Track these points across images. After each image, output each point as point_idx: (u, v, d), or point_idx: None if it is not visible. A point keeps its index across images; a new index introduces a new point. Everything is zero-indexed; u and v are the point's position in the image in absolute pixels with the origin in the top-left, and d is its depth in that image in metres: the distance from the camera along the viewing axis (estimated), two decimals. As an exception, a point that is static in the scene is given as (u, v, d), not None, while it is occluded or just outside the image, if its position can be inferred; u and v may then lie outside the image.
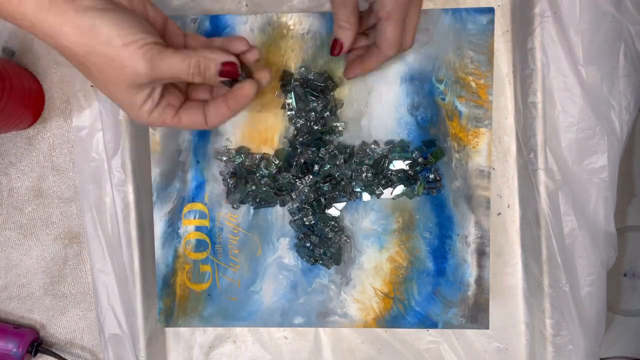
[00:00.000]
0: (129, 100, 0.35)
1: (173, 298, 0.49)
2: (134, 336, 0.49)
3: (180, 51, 0.35)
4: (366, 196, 0.48)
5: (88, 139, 0.51)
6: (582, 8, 0.44)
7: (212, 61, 0.36)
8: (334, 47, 0.41)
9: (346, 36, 0.40)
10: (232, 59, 0.37)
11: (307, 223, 0.48)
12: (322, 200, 0.47)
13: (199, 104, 0.39)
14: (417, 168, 0.47)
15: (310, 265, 0.49)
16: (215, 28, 0.48)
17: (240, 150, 0.48)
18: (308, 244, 0.48)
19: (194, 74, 0.35)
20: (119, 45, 0.32)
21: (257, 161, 0.48)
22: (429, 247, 0.48)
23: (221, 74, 0.36)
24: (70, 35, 0.31)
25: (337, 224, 0.48)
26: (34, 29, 0.31)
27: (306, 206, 0.47)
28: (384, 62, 0.42)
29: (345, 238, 0.48)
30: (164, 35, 0.37)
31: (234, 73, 0.36)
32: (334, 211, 0.48)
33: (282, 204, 0.48)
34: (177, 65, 0.34)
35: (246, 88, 0.38)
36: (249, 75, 0.38)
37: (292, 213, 0.48)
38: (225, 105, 0.38)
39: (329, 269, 0.48)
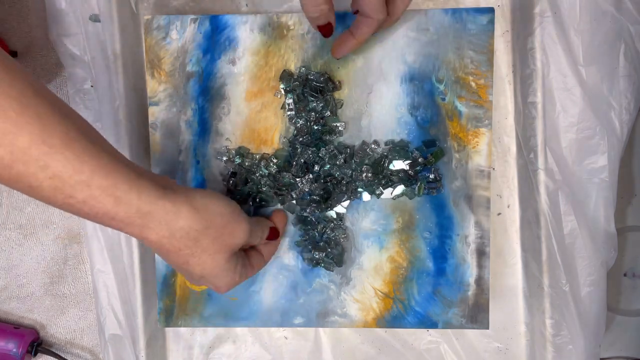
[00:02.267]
0: (227, 267, 0.39)
1: (173, 298, 0.49)
2: (134, 336, 0.49)
3: (255, 218, 0.44)
4: (366, 196, 0.48)
5: (88, 139, 0.51)
6: (582, 8, 0.44)
7: (267, 227, 0.45)
8: (324, 32, 0.42)
9: (327, 18, 0.41)
10: (275, 225, 0.46)
11: (313, 219, 0.48)
12: (329, 196, 0.47)
13: (254, 250, 0.45)
14: (417, 168, 0.47)
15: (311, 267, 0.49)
16: (215, 28, 0.48)
17: (240, 150, 0.48)
18: (309, 244, 0.48)
19: (260, 237, 0.43)
20: (229, 213, 0.38)
21: (257, 161, 0.48)
22: (429, 247, 0.48)
23: (268, 237, 0.45)
24: (188, 215, 0.36)
25: (342, 223, 0.48)
26: (145, 219, 0.34)
27: (312, 204, 0.47)
28: (376, 31, 0.41)
29: (344, 236, 0.48)
30: None
31: (276, 237, 0.46)
32: (340, 209, 0.48)
33: (282, 203, 0.48)
34: (257, 231, 0.42)
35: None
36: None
37: (302, 208, 0.48)
38: (262, 255, 0.45)
39: (332, 271, 0.48)
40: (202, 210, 0.37)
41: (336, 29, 0.47)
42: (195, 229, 0.36)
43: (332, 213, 0.48)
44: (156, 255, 0.49)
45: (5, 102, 0.29)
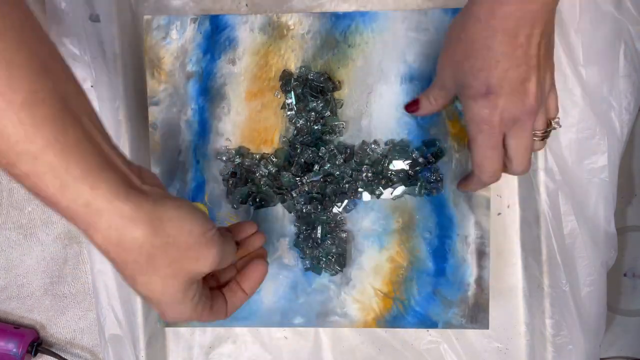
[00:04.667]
0: (179, 297, 0.32)
1: (173, 298, 0.49)
2: (134, 336, 0.49)
3: (227, 234, 0.36)
4: (366, 196, 0.48)
5: (88, 139, 0.51)
6: (582, 8, 0.44)
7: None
8: (411, 105, 0.42)
9: (425, 108, 0.42)
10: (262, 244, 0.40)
11: (313, 217, 0.47)
12: (331, 197, 0.47)
13: (219, 293, 0.37)
14: (417, 168, 0.47)
15: (311, 266, 0.49)
16: (215, 28, 0.48)
17: (240, 150, 0.48)
18: (309, 242, 0.48)
19: (235, 256, 0.37)
20: (200, 234, 0.31)
21: (257, 161, 0.48)
22: (429, 247, 0.48)
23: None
24: (148, 226, 0.29)
25: (342, 223, 0.48)
26: (92, 217, 0.28)
27: (314, 202, 0.47)
28: (485, 186, 0.43)
29: (345, 234, 0.48)
30: None
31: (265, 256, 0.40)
32: (347, 207, 0.48)
33: (283, 201, 0.48)
34: (231, 249, 0.35)
35: (260, 269, 0.38)
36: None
37: (298, 209, 0.48)
38: (241, 290, 0.38)
39: (336, 274, 0.48)
40: (168, 223, 0.30)
41: (339, 27, 0.47)
42: (152, 244, 0.29)
43: (340, 212, 0.48)
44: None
45: None
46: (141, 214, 0.28)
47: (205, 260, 0.32)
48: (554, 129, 0.39)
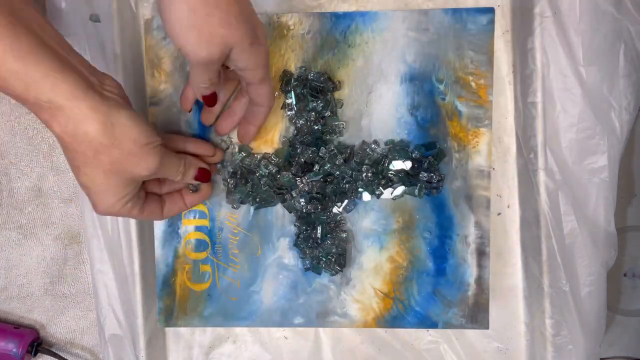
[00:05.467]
0: (115, 191, 0.37)
1: (173, 298, 0.49)
2: (134, 336, 0.49)
3: (174, 153, 0.41)
4: (366, 196, 0.48)
5: (88, 139, 0.51)
6: (582, 8, 0.44)
7: (194, 166, 0.43)
8: (210, 100, 0.42)
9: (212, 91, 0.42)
10: (207, 166, 0.45)
11: (313, 217, 0.47)
12: (331, 197, 0.47)
13: (157, 198, 0.43)
14: (416, 167, 0.47)
15: (311, 266, 0.49)
16: (215, 28, 0.48)
17: (240, 150, 0.48)
18: (309, 242, 0.48)
19: (179, 174, 0.41)
20: (143, 144, 0.36)
21: (257, 161, 0.48)
22: (429, 247, 0.48)
23: (196, 177, 0.43)
24: (99, 127, 0.34)
25: (343, 222, 0.48)
26: (54, 110, 0.33)
27: (314, 202, 0.47)
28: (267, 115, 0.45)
29: (345, 234, 0.48)
30: None
31: (207, 179, 0.45)
32: (347, 207, 0.48)
33: (283, 201, 0.48)
34: (174, 165, 0.41)
35: (206, 190, 0.46)
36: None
37: (298, 209, 0.48)
38: (182, 201, 0.45)
39: (336, 274, 0.48)
40: (117, 128, 0.34)
41: (339, 27, 0.47)
42: (100, 142, 0.34)
43: (340, 212, 0.48)
44: (156, 256, 0.49)
45: None
46: (96, 114, 0.33)
47: (144, 166, 0.37)
48: None
